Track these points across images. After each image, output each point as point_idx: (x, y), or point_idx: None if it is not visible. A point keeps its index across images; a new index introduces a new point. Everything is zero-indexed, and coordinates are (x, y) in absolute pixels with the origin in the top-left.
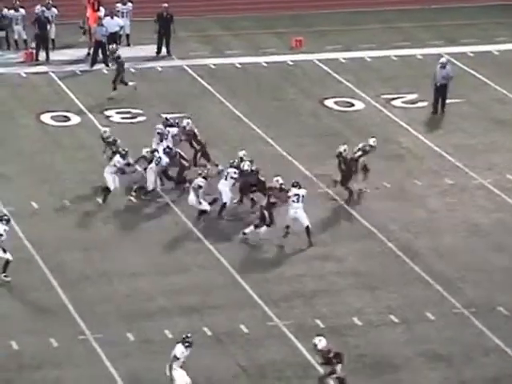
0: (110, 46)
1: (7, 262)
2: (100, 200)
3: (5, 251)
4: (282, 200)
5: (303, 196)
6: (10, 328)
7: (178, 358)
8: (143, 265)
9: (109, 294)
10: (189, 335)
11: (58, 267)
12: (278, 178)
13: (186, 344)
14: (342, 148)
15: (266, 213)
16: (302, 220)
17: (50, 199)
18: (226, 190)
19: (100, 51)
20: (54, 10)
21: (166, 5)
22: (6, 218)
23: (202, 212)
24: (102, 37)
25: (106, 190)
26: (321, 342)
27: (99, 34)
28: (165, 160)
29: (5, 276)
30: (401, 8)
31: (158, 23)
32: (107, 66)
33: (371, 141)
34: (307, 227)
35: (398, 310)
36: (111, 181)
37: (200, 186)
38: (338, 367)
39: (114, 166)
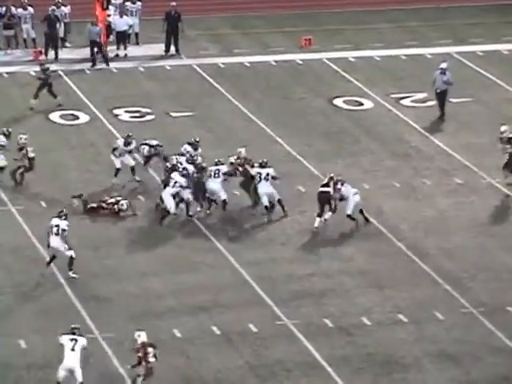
0: (41, 58)
1: (71, 258)
2: (160, 221)
3: (70, 248)
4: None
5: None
6: (18, 327)
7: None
8: (152, 264)
9: (118, 293)
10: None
11: (66, 266)
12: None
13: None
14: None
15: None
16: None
17: (59, 198)
18: (219, 187)
19: (96, 50)
20: (63, 8)
21: (173, 3)
22: (63, 213)
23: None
24: (96, 36)
25: (165, 212)
26: (140, 338)
27: (93, 33)
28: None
29: (73, 273)
30: (410, 7)
31: (166, 22)
32: (103, 65)
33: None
34: (362, 209)
35: (407, 310)
36: (171, 203)
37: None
38: (140, 367)
39: (176, 183)
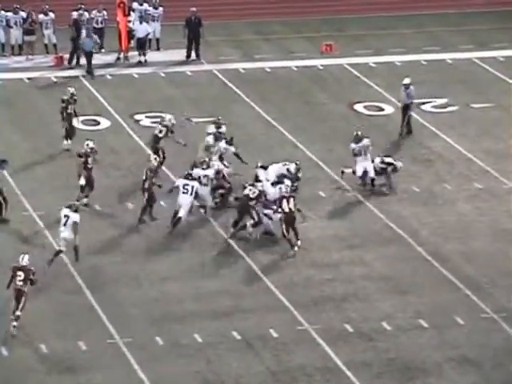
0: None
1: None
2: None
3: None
4: None
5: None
6: (39, 331)
7: None
8: (173, 269)
9: (138, 297)
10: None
11: (87, 271)
12: None
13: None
14: None
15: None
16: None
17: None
18: (206, 192)
19: (86, 61)
20: (85, 14)
21: (193, 9)
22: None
23: None
24: (91, 47)
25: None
26: (23, 259)
27: (88, 46)
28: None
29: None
30: (431, 12)
31: (187, 28)
32: (92, 76)
33: None
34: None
35: (428, 315)
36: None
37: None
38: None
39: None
